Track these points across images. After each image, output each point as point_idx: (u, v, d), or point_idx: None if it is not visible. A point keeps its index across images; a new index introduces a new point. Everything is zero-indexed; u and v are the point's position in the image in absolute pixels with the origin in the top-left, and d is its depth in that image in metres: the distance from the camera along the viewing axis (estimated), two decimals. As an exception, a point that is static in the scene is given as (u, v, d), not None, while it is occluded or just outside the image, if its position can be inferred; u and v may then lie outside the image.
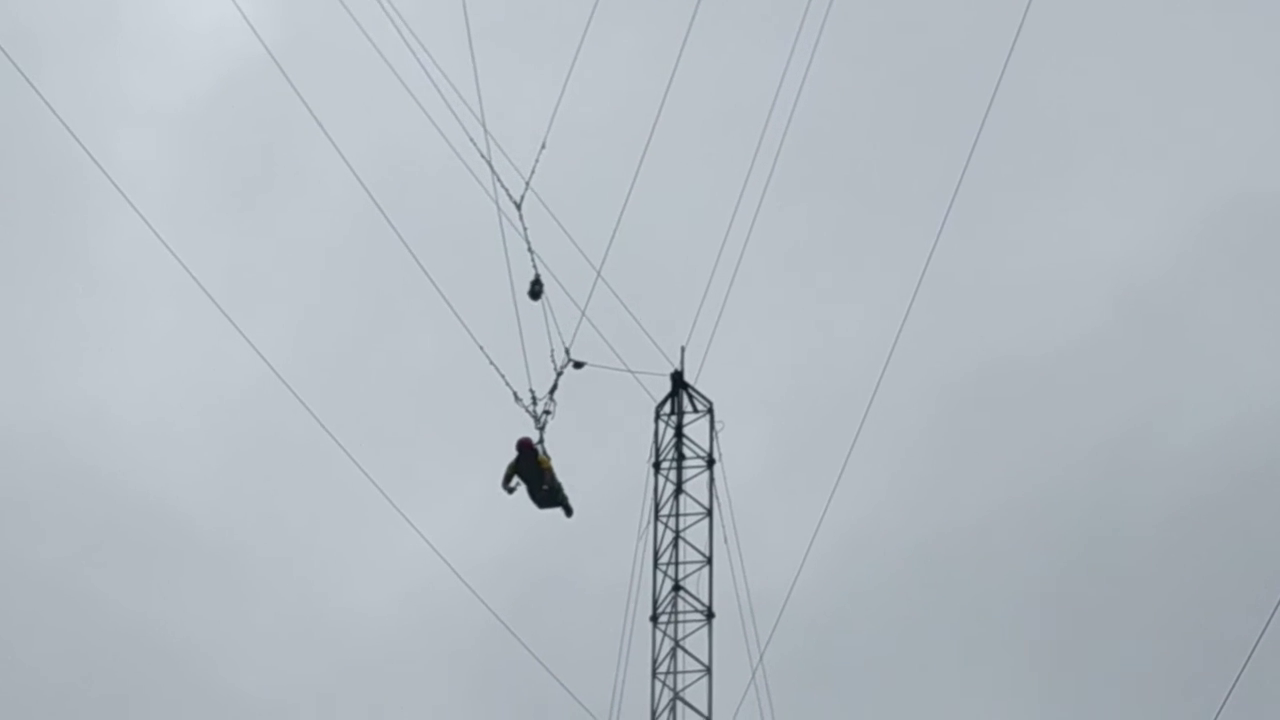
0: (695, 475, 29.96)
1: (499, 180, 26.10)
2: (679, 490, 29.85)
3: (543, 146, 26.49)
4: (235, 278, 38.03)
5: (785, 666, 29.83)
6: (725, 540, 29.50)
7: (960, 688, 37.54)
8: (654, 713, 28.92)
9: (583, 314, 27.53)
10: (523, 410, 26.58)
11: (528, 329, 26.43)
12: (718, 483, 29.79)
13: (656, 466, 30.03)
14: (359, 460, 26.70)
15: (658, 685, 28.98)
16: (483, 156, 25.98)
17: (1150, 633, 37.48)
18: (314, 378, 32.33)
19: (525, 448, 26.20)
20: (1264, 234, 40.60)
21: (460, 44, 25.93)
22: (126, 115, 42.31)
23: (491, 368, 26.24)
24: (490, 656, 34.61)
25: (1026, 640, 38.12)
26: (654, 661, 29.13)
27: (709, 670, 29.03)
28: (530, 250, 26.32)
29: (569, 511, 26.77)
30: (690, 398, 30.22)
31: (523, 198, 26.33)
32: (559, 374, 26.62)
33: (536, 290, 26.29)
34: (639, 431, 30.24)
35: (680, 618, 29.27)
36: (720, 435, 30.02)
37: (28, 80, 22.92)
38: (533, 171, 26.44)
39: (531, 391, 26.41)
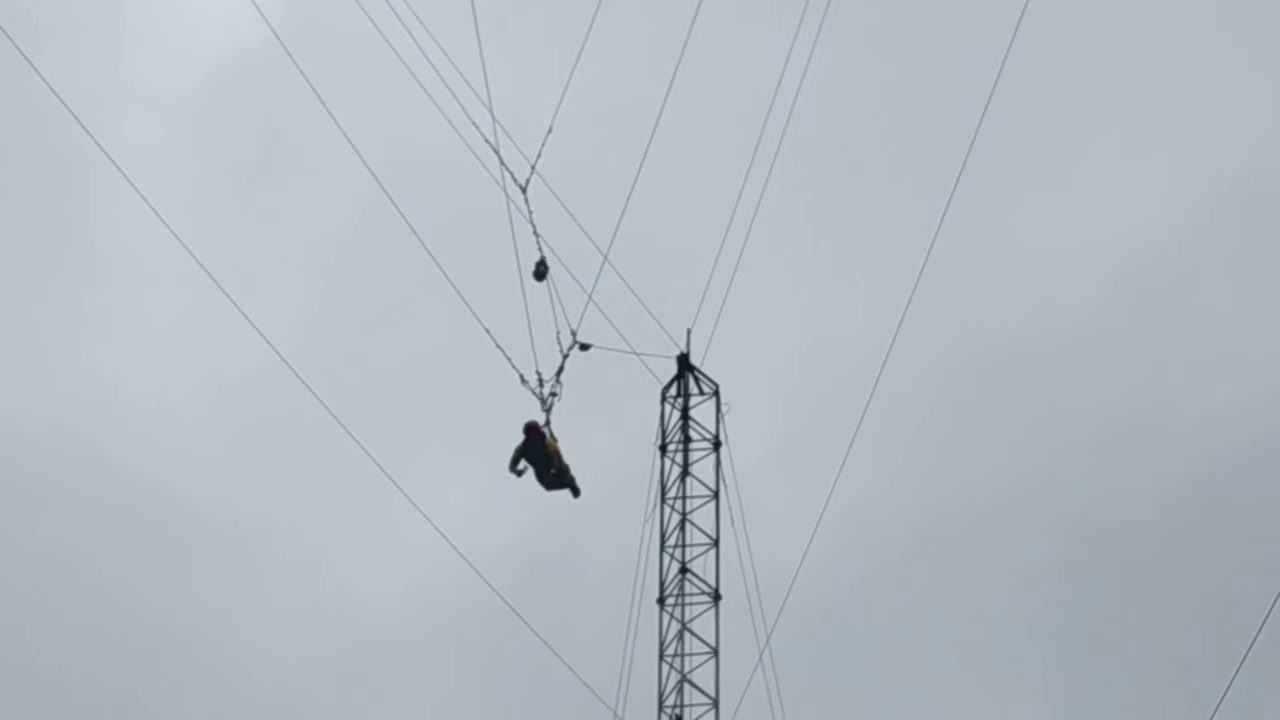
0: (701, 457, 30.03)
1: (505, 165, 26.11)
2: (685, 472, 29.90)
3: (549, 131, 26.48)
4: (241, 263, 38.00)
5: (792, 648, 29.90)
6: (732, 522, 29.58)
7: (965, 669, 37.62)
8: (661, 695, 28.98)
9: (589, 297, 27.56)
10: (529, 393, 26.59)
11: (534, 313, 26.45)
12: (724, 465, 29.89)
13: (663, 449, 30.09)
14: (365, 445, 26.73)
15: (665, 667, 29.06)
16: (488, 141, 25.99)
17: (1153, 614, 37.53)
18: (320, 363, 32.40)
19: (532, 431, 26.14)
20: (1266, 217, 40.63)
21: (466, 29, 25.94)
22: (132, 101, 42.34)
23: (497, 351, 26.21)
24: (497, 639, 34.69)
25: (1031, 622, 38.20)
26: (661, 644, 29.20)
27: (716, 652, 29.11)
28: (536, 234, 26.33)
29: (576, 492, 26.75)
30: (696, 380, 30.26)
31: (528, 181, 26.32)
32: (565, 356, 26.61)
33: (541, 271, 26.27)
34: (645, 414, 30.31)
35: (687, 600, 29.35)
36: (726, 417, 30.12)
37: (32, 65, 22.95)
38: (538, 155, 26.43)
39: (538, 374, 26.40)
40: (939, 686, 37.34)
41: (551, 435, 26.53)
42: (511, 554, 34.44)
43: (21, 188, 41.58)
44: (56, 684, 38.04)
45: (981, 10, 36.39)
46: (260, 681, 38.38)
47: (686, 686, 28.93)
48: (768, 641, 29.06)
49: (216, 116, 42.63)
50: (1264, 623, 21.51)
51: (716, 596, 29.33)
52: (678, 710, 28.87)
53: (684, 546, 29.60)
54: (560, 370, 26.57)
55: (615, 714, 28.69)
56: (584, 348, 27.04)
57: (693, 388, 30.27)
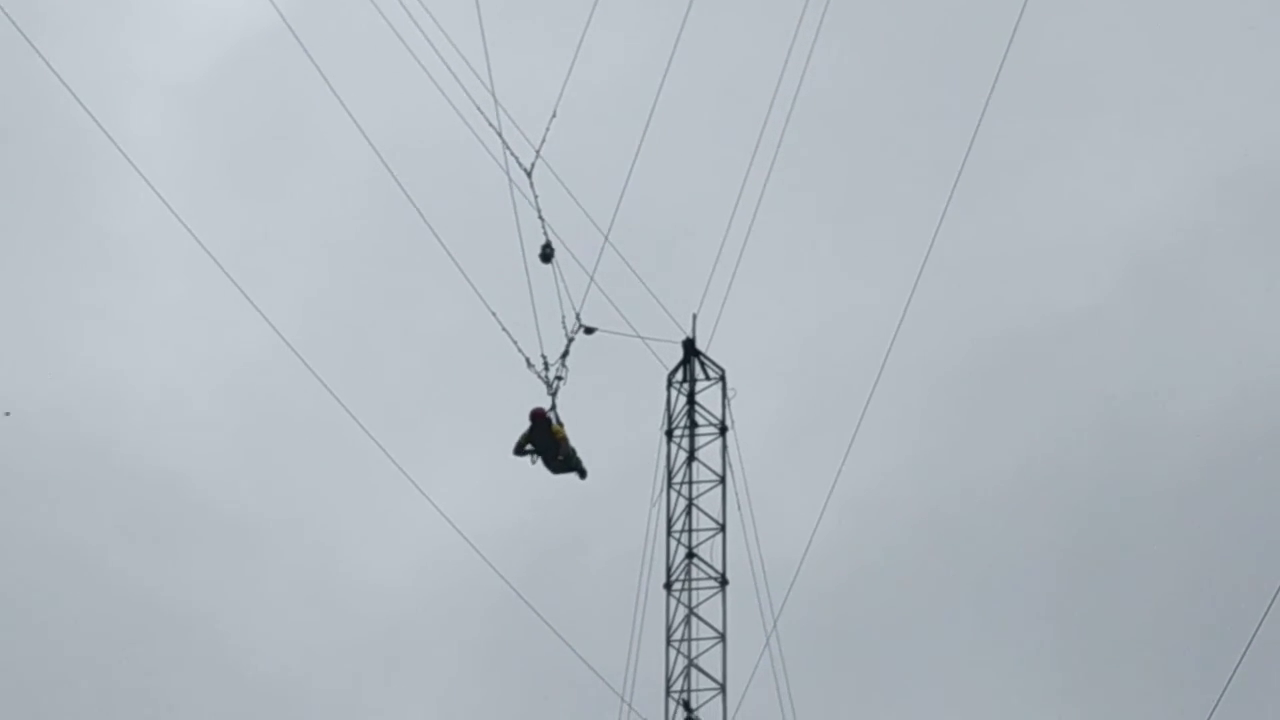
0: (708, 442, 29.96)
1: (509, 149, 26.10)
2: (692, 457, 29.86)
3: (553, 115, 26.46)
4: (247, 250, 38.02)
5: (799, 633, 29.91)
6: (738, 507, 29.56)
7: (971, 653, 37.64)
8: (668, 680, 28.99)
9: (591, 279, 27.54)
10: (534, 378, 26.60)
11: (538, 297, 26.46)
12: (730, 450, 29.83)
13: (669, 434, 30.04)
14: (371, 431, 26.74)
15: (672, 652, 29.04)
16: (492, 126, 25.99)
17: (1159, 600, 37.53)
18: (326, 348, 32.46)
19: (538, 418, 26.18)
20: (1272, 203, 40.60)
21: (469, 13, 25.94)
22: (138, 87, 42.34)
23: (502, 336, 26.26)
24: (504, 625, 34.73)
25: (1036, 607, 38.20)
26: (668, 629, 29.18)
27: (723, 637, 29.07)
28: (541, 218, 26.32)
29: (583, 474, 26.79)
30: (702, 365, 30.21)
31: (533, 166, 26.31)
32: (570, 339, 26.61)
33: (548, 254, 26.29)
34: (651, 399, 30.31)
35: (694, 585, 29.31)
36: (732, 402, 30.08)
37: (37, 51, 22.95)
38: (543, 140, 26.43)
39: (543, 358, 26.42)
40: (945, 670, 37.40)
41: (558, 421, 26.55)
42: (518, 539, 34.49)
43: (27, 175, 41.66)
44: (64, 673, 38.16)
45: (988, -6, 36.34)
46: (267, 668, 38.48)
47: (693, 671, 28.92)
48: (774, 626, 29.06)
49: (222, 103, 42.71)
50: (1269, 606, 21.52)
51: (723, 581, 29.31)
52: (685, 695, 28.86)
53: (690, 531, 29.57)
54: (565, 353, 26.62)
55: (622, 699, 28.72)
56: (589, 331, 27.06)
57: (698, 373, 30.22)
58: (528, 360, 26.38)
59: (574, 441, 26.76)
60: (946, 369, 39.34)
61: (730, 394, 30.02)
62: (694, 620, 29.15)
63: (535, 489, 29.55)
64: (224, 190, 41.51)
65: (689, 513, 29.64)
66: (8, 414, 36.78)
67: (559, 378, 26.51)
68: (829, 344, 38.94)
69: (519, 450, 26.30)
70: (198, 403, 40.73)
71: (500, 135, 25.90)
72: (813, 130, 33.92)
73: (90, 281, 41.57)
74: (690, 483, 29.77)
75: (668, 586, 29.39)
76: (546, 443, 26.39)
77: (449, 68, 25.82)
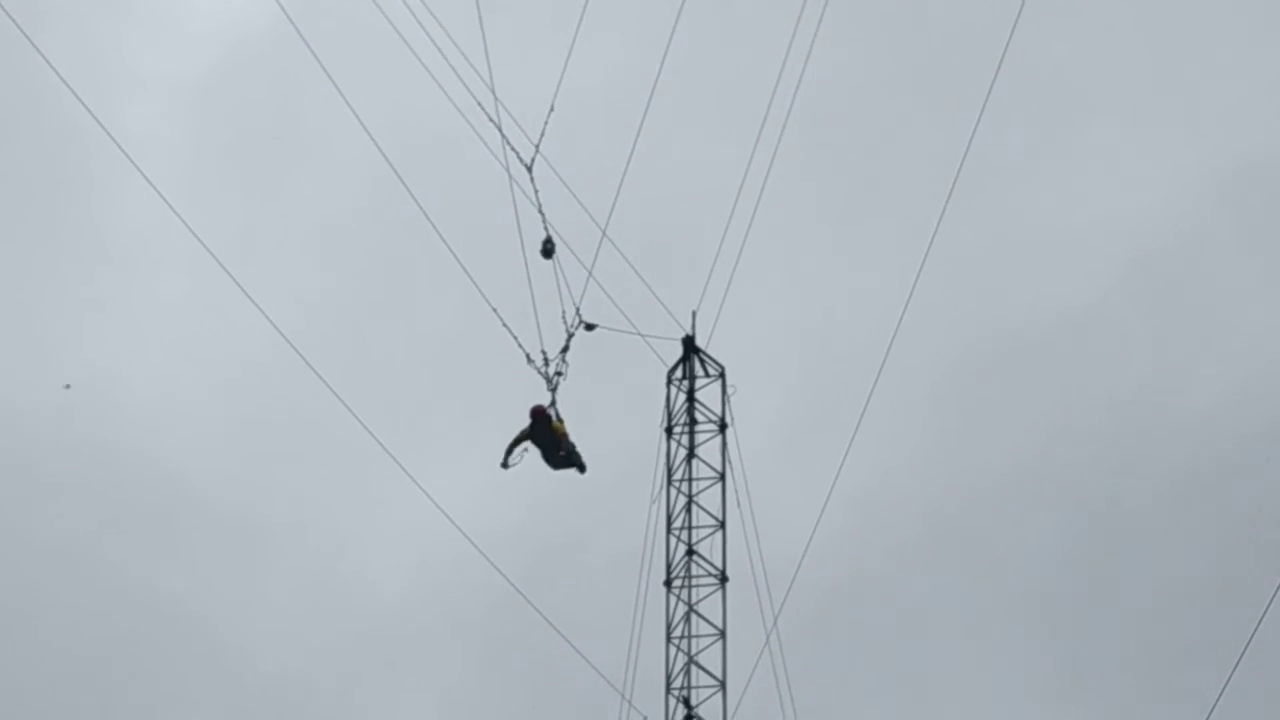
0: (708, 439, 29.99)
1: (509, 144, 26.08)
2: (691, 454, 29.87)
3: (551, 109, 26.43)
4: (246, 246, 37.99)
5: (799, 630, 29.91)
6: (738, 504, 29.60)
7: (972, 650, 37.64)
8: (668, 677, 29.03)
9: (589, 274, 27.52)
10: (535, 374, 26.58)
11: (538, 294, 26.44)
12: (730, 447, 29.84)
13: (669, 431, 30.05)
14: (371, 428, 26.75)
15: (672, 649, 29.10)
16: (492, 121, 25.96)
17: (1161, 596, 37.52)
18: (326, 345, 32.34)
19: (538, 415, 26.15)
20: (1273, 200, 40.57)
21: (469, 9, 25.91)
22: (136, 83, 42.29)
23: (502, 333, 26.28)
24: (504, 623, 34.70)
25: (1038, 604, 38.21)
26: (668, 626, 29.23)
27: (723, 634, 29.12)
28: (541, 213, 26.29)
29: (583, 469, 26.73)
30: (702, 362, 30.23)
31: (533, 161, 26.28)
32: (571, 334, 26.59)
33: (549, 249, 26.27)
34: (651, 396, 30.30)
35: (694, 582, 29.37)
36: (732, 399, 30.10)
37: (35, 47, 22.92)
38: (542, 135, 26.40)
39: (543, 353, 26.40)
40: (946, 668, 37.40)
41: (559, 417, 26.51)
42: (518, 537, 34.45)
43: (26, 172, 41.61)
44: (63, 670, 38.14)
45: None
46: (267, 665, 38.48)
47: (693, 668, 28.98)
48: (775, 623, 29.08)
49: (222, 99, 42.68)
50: (1270, 603, 21.51)
51: (723, 578, 29.33)
52: (685, 692, 28.91)
53: (690, 529, 29.61)
54: (565, 347, 26.57)
55: (623, 696, 28.74)
56: (589, 327, 27.05)
57: (698, 370, 30.24)
58: (528, 356, 26.39)
59: (573, 438, 26.72)
60: (946, 366, 39.38)
61: (730, 391, 30.07)
62: (694, 617, 29.19)
63: (535, 486, 29.54)
64: (223, 187, 41.51)
65: (689, 510, 29.66)
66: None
67: (559, 373, 26.49)
68: (828, 341, 38.99)
69: (507, 460, 26.19)
70: (197, 400, 40.73)
71: (500, 130, 25.90)
72: (812, 127, 33.91)
73: (89, 278, 41.58)
74: (690, 480, 29.80)
75: (668, 583, 29.42)
76: (547, 439, 26.34)
77: (449, 63, 25.84)
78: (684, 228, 35.98)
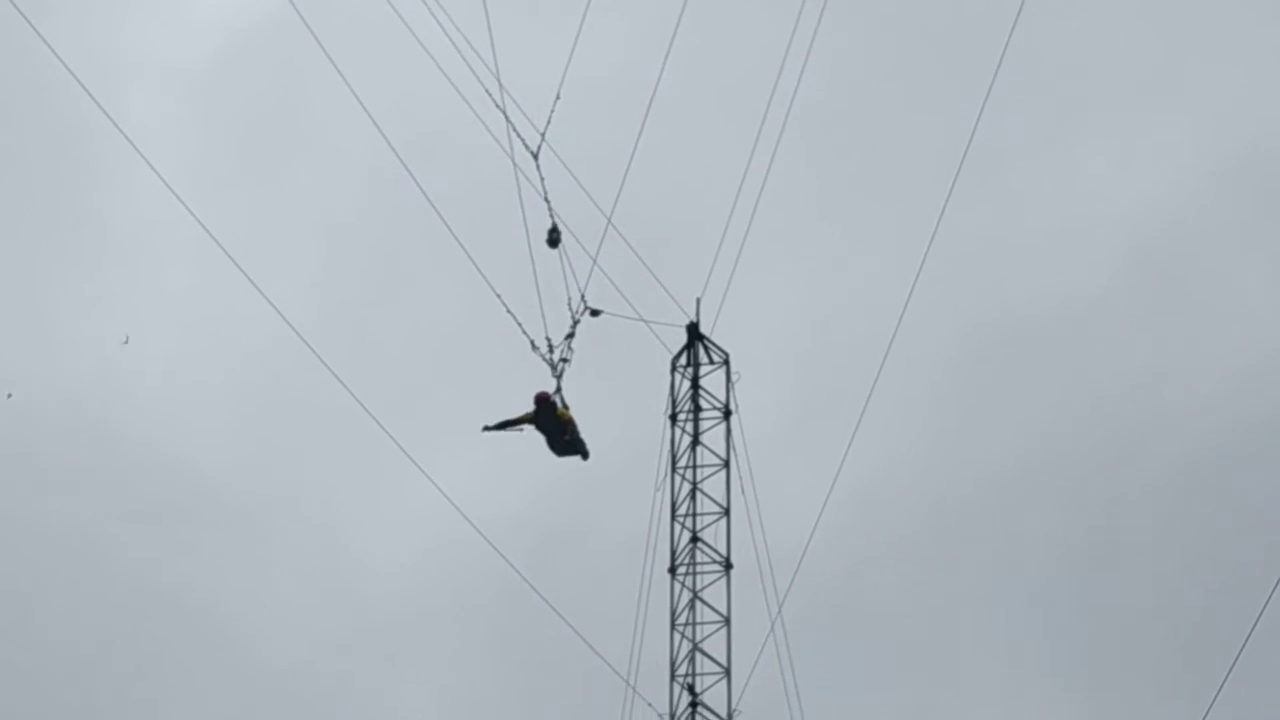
0: (712, 426, 30.03)
1: (515, 131, 26.08)
2: (696, 442, 29.90)
3: (557, 97, 26.43)
4: (252, 235, 37.92)
5: (803, 617, 29.95)
6: (743, 491, 29.61)
7: (975, 638, 37.72)
8: (673, 664, 29.03)
9: (594, 263, 27.52)
10: (539, 361, 26.55)
11: (543, 281, 26.43)
12: (734, 434, 29.90)
13: (673, 418, 30.08)
14: (377, 415, 26.75)
15: (676, 636, 29.09)
16: (498, 107, 25.95)
17: (1162, 587, 37.58)
18: (331, 333, 32.46)
19: (543, 402, 25.99)
20: (1274, 189, 40.62)
21: (475, -1, 25.95)
22: (141, 72, 42.34)
23: (507, 320, 26.17)
24: (509, 610, 34.75)
25: (1040, 593, 38.26)
26: (672, 613, 29.22)
27: (728, 621, 29.13)
28: (546, 200, 26.30)
29: (585, 455, 26.65)
30: (706, 349, 30.26)
31: (539, 149, 26.28)
32: (576, 321, 26.56)
33: (555, 238, 26.26)
34: (655, 384, 30.34)
35: (698, 569, 29.35)
36: (736, 386, 30.12)
37: (39, 35, 22.92)
38: (548, 123, 26.39)
39: (548, 340, 26.38)
40: (949, 654, 37.47)
41: (564, 404, 26.48)
42: (523, 524, 34.51)
43: (31, 161, 41.66)
44: (68, 659, 38.19)
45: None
46: (272, 653, 38.53)
47: (698, 655, 28.97)
48: (779, 610, 29.11)
49: (227, 88, 42.70)
50: (1270, 595, 21.55)
51: (728, 565, 29.35)
52: (690, 679, 28.92)
53: (695, 516, 29.61)
54: (571, 334, 26.53)
55: (627, 683, 28.78)
56: (594, 313, 26.97)
57: (702, 357, 30.28)
58: (532, 343, 26.32)
59: (579, 425, 26.70)
60: (949, 355, 39.43)
61: (734, 378, 30.11)
62: (698, 604, 29.18)
63: (540, 474, 29.62)
64: (229, 176, 41.55)
65: (693, 497, 29.69)
66: (9, 396, 36.85)
67: (564, 360, 26.43)
68: (832, 329, 39.04)
69: (492, 428, 26.00)
70: (204, 389, 40.79)
71: (506, 117, 25.89)
72: (816, 116, 33.98)
73: (95, 267, 41.65)
74: (694, 467, 29.81)
75: (672, 571, 29.41)
76: (552, 426, 26.29)
77: (456, 50, 25.82)
78: (688, 215, 36.05)
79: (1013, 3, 26.83)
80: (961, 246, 36.57)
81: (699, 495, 29.70)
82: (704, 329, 30.16)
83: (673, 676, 28.97)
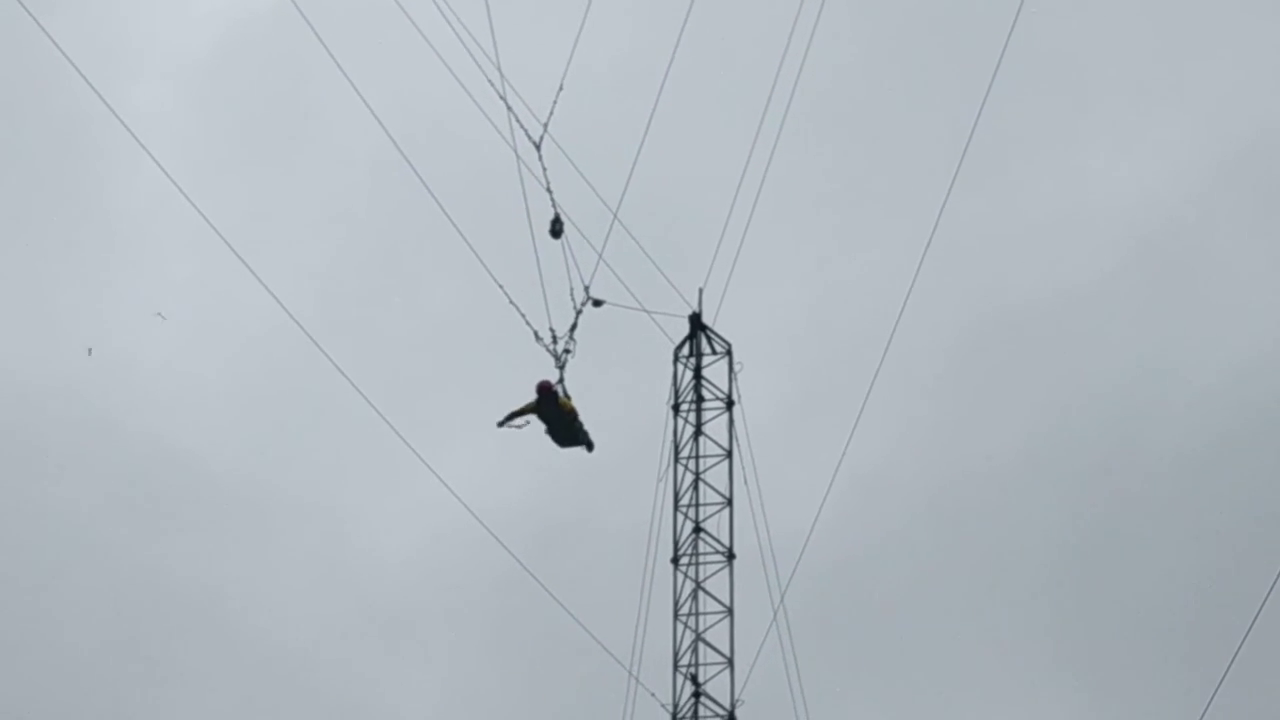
0: (714, 417, 30.04)
1: (517, 121, 26.07)
2: (698, 432, 29.92)
3: (560, 88, 26.43)
4: (254, 225, 37.96)
5: (806, 607, 29.99)
6: (745, 482, 29.65)
7: (977, 627, 37.72)
8: (675, 654, 29.06)
9: (600, 256, 27.51)
10: (542, 351, 26.54)
11: (546, 272, 26.43)
12: (737, 424, 29.92)
13: (676, 408, 30.09)
14: (379, 406, 26.74)
15: (679, 627, 29.11)
16: (501, 98, 25.94)
17: (1164, 576, 37.60)
18: (334, 324, 32.51)
19: (545, 391, 25.93)
20: (1276, 179, 40.59)
21: (476, -11, 25.92)
22: (143, 63, 42.31)
23: (510, 311, 26.16)
24: (511, 600, 34.79)
25: (1042, 582, 38.29)
26: (675, 603, 29.24)
27: (730, 611, 29.17)
28: (549, 190, 26.30)
29: (590, 447, 26.65)
30: (709, 339, 30.27)
31: (541, 139, 26.28)
32: (579, 312, 26.56)
33: (557, 229, 26.26)
34: (657, 374, 30.36)
35: (701, 559, 29.39)
36: (739, 377, 30.15)
37: (41, 27, 22.88)
38: (550, 114, 26.38)
39: (551, 330, 26.38)
40: (952, 645, 37.48)
41: (566, 394, 26.47)
42: (525, 515, 34.56)
43: (32, 151, 41.62)
44: (71, 648, 38.21)
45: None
46: (274, 642, 38.53)
47: (701, 646, 29.01)
48: (782, 600, 29.15)
49: (228, 78, 42.66)
50: (1274, 584, 21.55)
51: (730, 556, 29.38)
52: (692, 669, 28.95)
53: (697, 506, 29.63)
54: (574, 325, 26.52)
55: (630, 673, 28.79)
56: (597, 303, 26.94)
57: (705, 347, 30.29)
58: (535, 334, 26.32)
59: (581, 415, 26.70)
60: (951, 345, 39.43)
61: (737, 368, 30.14)
62: (701, 595, 29.22)
63: (542, 464, 29.66)
64: (230, 166, 41.52)
65: (696, 487, 29.71)
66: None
67: (567, 351, 26.44)
68: (835, 319, 39.05)
69: (504, 422, 26.06)
70: (206, 379, 40.77)
71: (508, 107, 25.88)
72: (818, 107, 34.01)
73: (98, 258, 41.61)
74: (697, 457, 29.83)
75: (675, 561, 29.44)
76: (554, 415, 26.27)
77: (460, 40, 25.78)
78: (690, 205, 36.03)
79: (1016, -8, 26.89)
80: (963, 238, 36.61)
81: (701, 485, 29.72)
82: (706, 319, 30.17)
83: (675, 667, 29.00)
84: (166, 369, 40.66)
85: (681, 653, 29.00)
